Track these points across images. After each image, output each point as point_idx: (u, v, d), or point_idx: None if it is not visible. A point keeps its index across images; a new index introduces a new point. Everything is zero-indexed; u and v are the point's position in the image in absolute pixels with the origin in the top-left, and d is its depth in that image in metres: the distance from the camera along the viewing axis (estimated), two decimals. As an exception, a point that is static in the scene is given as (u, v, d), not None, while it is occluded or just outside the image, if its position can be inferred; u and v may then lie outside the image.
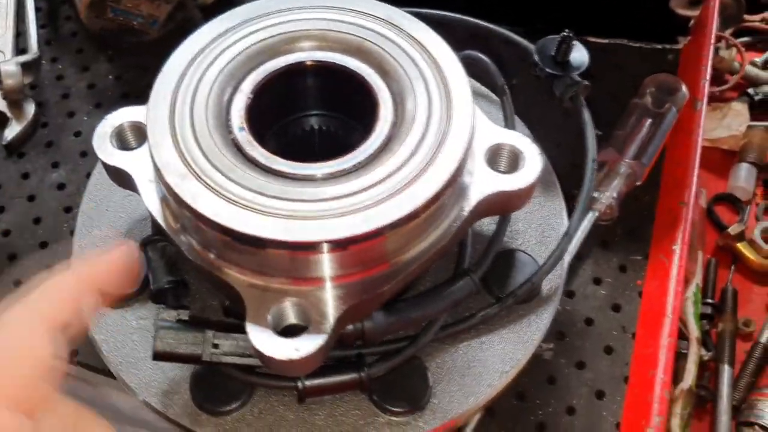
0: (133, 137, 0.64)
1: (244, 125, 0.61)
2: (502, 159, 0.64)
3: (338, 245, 0.56)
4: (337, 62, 0.64)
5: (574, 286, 0.85)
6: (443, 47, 0.64)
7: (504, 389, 0.67)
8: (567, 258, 0.73)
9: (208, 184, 0.57)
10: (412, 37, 0.64)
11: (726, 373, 0.98)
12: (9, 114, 0.94)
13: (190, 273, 0.68)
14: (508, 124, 0.75)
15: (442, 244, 0.60)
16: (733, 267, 1.07)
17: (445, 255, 0.64)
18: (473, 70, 0.73)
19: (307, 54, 0.65)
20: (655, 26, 1.03)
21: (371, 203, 0.56)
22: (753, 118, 1.16)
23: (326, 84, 0.66)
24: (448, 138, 0.59)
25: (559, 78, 0.75)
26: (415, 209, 0.56)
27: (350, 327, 0.62)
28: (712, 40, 1.03)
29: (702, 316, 1.00)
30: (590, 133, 0.72)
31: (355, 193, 0.57)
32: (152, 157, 0.59)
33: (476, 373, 0.66)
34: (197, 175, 0.57)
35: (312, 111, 0.69)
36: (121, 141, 0.64)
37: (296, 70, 0.64)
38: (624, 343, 0.81)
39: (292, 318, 0.57)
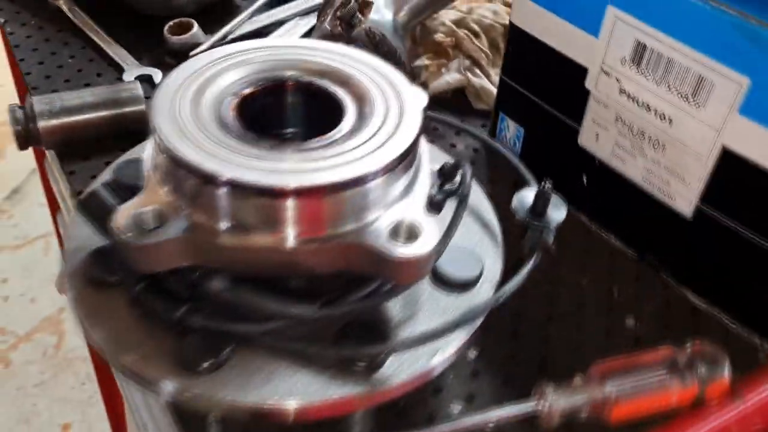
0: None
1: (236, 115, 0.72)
2: (402, 229, 0.66)
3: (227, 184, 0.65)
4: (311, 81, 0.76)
5: None
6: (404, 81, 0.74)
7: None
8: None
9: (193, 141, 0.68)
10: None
11: None
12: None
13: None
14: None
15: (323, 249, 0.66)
16: None
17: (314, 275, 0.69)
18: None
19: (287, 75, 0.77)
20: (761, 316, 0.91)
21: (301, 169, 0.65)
22: None
23: (301, 100, 0.77)
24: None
25: (531, 227, 0.74)
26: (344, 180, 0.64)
27: (195, 274, 0.68)
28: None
29: None
30: (518, 277, 0.70)
31: (309, 160, 0.66)
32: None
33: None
34: (191, 137, 0.69)
35: (289, 128, 0.80)
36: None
37: (278, 87, 0.76)
38: None
39: (151, 222, 0.67)
